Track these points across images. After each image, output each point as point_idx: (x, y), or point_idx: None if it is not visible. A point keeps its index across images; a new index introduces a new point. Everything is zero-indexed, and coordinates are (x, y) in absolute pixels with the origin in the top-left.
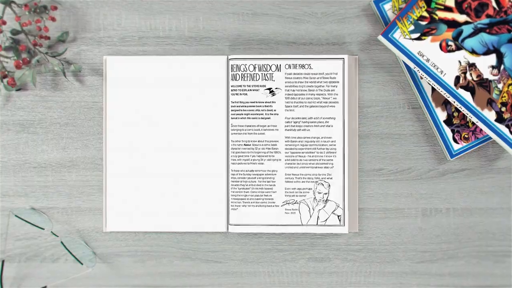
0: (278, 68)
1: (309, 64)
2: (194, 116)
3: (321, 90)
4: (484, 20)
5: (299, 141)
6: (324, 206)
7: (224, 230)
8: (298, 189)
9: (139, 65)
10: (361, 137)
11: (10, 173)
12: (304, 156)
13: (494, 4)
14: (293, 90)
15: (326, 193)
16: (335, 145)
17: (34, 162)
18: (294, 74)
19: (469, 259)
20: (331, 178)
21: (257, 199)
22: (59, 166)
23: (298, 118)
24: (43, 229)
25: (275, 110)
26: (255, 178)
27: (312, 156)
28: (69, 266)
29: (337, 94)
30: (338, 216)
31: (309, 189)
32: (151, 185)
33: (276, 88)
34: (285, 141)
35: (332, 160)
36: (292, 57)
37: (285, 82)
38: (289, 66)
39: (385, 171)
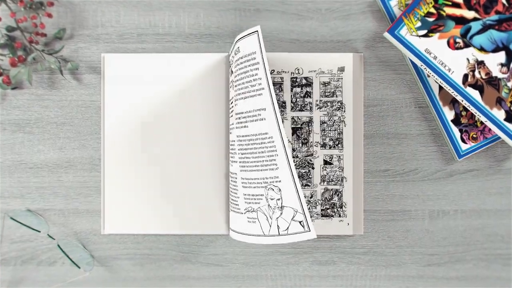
0: (233, 56)
1: (239, 47)
2: (194, 115)
3: (248, 76)
4: (493, 17)
5: (243, 140)
6: (281, 213)
7: (225, 232)
8: (252, 195)
9: (138, 63)
10: (367, 137)
11: (6, 174)
12: (249, 158)
13: (503, 0)
14: (236, 80)
15: (279, 199)
16: (273, 141)
17: (30, 163)
18: (236, 60)
19: (477, 262)
20: (279, 181)
21: (231, 203)
22: (56, 166)
23: (239, 113)
24: (39, 231)
25: (233, 106)
26: (230, 181)
27: (256, 158)
28: (66, 270)
29: (260, 79)
30: (300, 221)
31: (261, 195)
32: (150, 186)
33: (232, 81)
34: (237, 141)
35: (275, 160)
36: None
37: (234, 71)
38: (235, 52)
39: (391, 171)
